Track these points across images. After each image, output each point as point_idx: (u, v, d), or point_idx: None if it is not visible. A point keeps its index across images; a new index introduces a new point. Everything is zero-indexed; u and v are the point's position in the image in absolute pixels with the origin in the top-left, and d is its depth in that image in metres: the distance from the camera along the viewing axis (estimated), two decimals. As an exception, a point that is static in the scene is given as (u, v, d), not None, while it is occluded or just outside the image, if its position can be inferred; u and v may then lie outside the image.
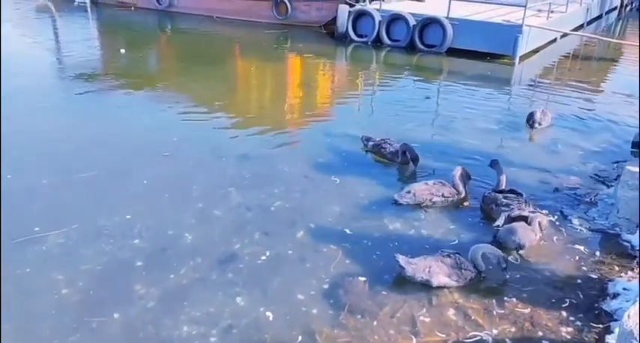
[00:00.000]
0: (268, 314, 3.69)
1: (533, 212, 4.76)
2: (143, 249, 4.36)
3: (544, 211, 5.08)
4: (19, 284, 3.89)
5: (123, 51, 12.06)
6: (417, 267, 3.99)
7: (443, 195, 5.22)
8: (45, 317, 3.59)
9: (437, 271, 3.96)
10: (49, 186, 5.34)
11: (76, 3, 18.13)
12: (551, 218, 5.00)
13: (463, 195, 5.33)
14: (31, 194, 5.18)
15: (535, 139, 7.30)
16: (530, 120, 7.58)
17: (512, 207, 4.86)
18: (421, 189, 5.19)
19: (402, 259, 4.02)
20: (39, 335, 3.44)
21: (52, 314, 3.62)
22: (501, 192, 5.12)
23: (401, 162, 6.16)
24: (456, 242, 4.66)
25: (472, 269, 4.04)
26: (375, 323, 3.64)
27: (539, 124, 7.51)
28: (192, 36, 14.79)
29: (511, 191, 5.11)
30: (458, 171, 5.37)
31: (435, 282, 3.95)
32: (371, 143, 6.49)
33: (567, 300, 3.92)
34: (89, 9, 17.64)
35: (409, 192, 5.17)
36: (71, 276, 3.98)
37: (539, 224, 4.58)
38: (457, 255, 4.09)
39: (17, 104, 7.81)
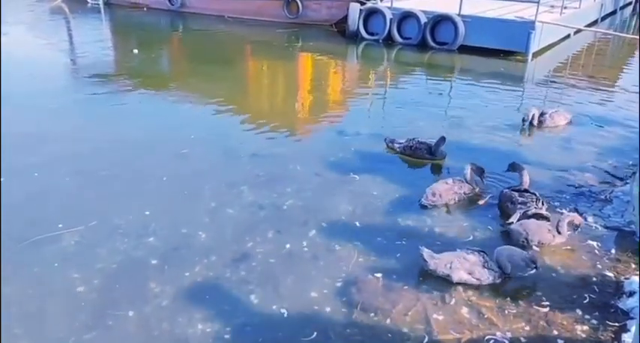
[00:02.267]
0: (281, 312, 3.71)
1: (562, 213, 4.73)
2: (157, 247, 4.40)
3: (568, 211, 5.04)
4: (36, 283, 3.95)
5: (136, 51, 12.15)
6: (440, 262, 4.00)
7: (464, 193, 5.24)
8: (61, 315, 3.64)
9: (458, 267, 3.95)
10: (63, 186, 5.41)
11: (89, 4, 18.27)
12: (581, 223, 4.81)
13: (477, 190, 5.34)
14: (47, 193, 5.25)
15: (549, 137, 7.22)
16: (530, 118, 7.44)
17: (528, 205, 4.84)
18: (445, 190, 5.15)
19: (426, 253, 4.04)
20: (55, 333, 3.49)
21: (68, 312, 3.67)
22: (518, 190, 5.09)
23: (439, 156, 6.15)
24: (471, 238, 4.64)
25: (496, 270, 3.97)
26: (388, 321, 3.64)
27: (541, 123, 7.38)
28: (204, 36, 14.85)
29: (525, 190, 5.08)
30: (469, 168, 5.37)
31: (455, 278, 3.95)
32: (397, 145, 6.35)
33: (583, 299, 3.89)
34: (102, 10, 17.78)
35: (434, 194, 5.10)
36: (87, 274, 4.03)
37: (571, 224, 4.54)
38: (482, 253, 4.03)
39: (32, 105, 7.91)
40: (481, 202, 5.28)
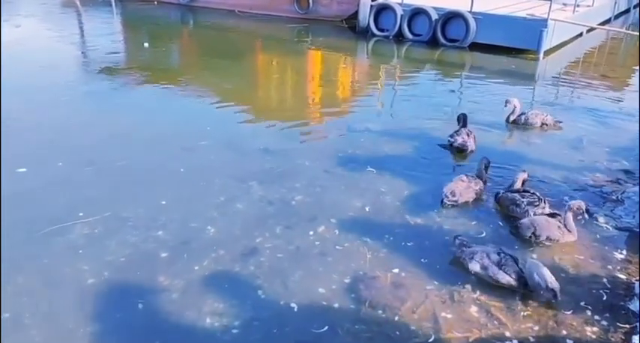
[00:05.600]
0: (289, 307, 3.71)
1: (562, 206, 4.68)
2: (167, 240, 4.41)
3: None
4: (46, 275, 3.97)
5: (146, 45, 12.19)
6: (467, 251, 4.10)
7: (480, 189, 5.23)
8: (70, 307, 3.65)
9: (477, 260, 4.00)
10: (74, 178, 5.43)
11: (100, -3, 18.36)
12: (582, 207, 4.73)
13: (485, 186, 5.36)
14: (56, 185, 5.27)
15: (559, 136, 7.16)
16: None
17: (535, 204, 4.80)
18: (464, 188, 5.11)
19: (459, 240, 4.22)
20: (64, 325, 3.51)
21: (78, 304, 3.68)
22: (517, 191, 5.01)
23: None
24: (483, 235, 4.63)
25: (513, 277, 3.86)
26: (396, 318, 3.63)
27: (515, 122, 7.33)
28: (214, 30, 14.86)
29: (525, 191, 5.01)
30: (483, 163, 5.40)
31: (470, 267, 4.03)
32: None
33: (593, 300, 3.86)
34: (113, 4, 17.82)
35: (454, 193, 5.05)
36: (96, 267, 4.04)
37: (575, 216, 4.50)
38: (508, 256, 3.94)
39: (44, 97, 7.95)
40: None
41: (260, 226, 4.66)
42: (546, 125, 7.35)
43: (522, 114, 7.37)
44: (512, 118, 7.36)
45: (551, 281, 3.70)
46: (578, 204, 4.54)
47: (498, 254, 3.99)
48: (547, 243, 4.48)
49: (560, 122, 7.46)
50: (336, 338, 3.45)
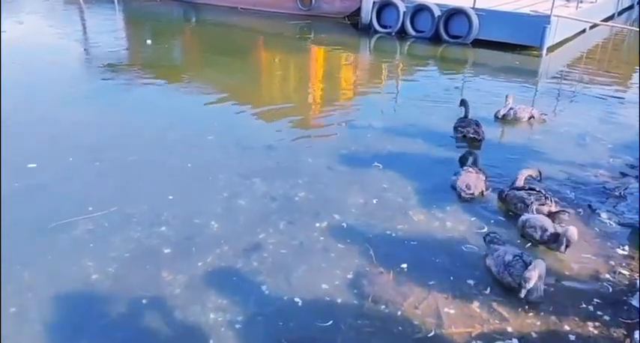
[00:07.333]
0: (293, 302, 3.72)
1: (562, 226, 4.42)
2: (170, 236, 4.43)
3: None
4: (51, 270, 3.99)
5: (149, 42, 12.20)
6: (492, 247, 4.16)
7: (485, 180, 5.28)
8: (75, 303, 3.68)
9: (494, 257, 4.03)
10: (81, 174, 5.46)
11: (102, -6, 18.37)
12: (580, 212, 4.87)
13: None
14: (64, 181, 5.30)
15: (563, 132, 7.16)
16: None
17: (543, 203, 4.78)
18: (474, 179, 5.15)
19: (488, 238, 4.27)
20: (69, 321, 3.53)
21: (82, 299, 3.71)
22: (523, 189, 4.96)
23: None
24: (485, 230, 4.63)
25: (514, 280, 3.81)
26: (399, 313, 3.65)
27: (504, 117, 7.44)
28: (216, 27, 14.87)
29: (531, 188, 4.96)
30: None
31: (487, 262, 4.09)
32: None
33: (595, 295, 3.87)
34: (116, 1, 17.83)
35: (469, 186, 5.08)
36: (101, 262, 4.07)
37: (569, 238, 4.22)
38: (520, 261, 3.86)
39: (47, 94, 7.99)
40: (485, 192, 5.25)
41: (263, 222, 4.68)
42: (533, 118, 7.46)
43: (511, 108, 7.47)
44: (502, 112, 7.45)
45: (533, 281, 3.63)
46: (570, 233, 4.19)
47: (514, 256, 3.91)
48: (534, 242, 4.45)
49: (546, 115, 7.58)
50: (339, 333, 3.47)
